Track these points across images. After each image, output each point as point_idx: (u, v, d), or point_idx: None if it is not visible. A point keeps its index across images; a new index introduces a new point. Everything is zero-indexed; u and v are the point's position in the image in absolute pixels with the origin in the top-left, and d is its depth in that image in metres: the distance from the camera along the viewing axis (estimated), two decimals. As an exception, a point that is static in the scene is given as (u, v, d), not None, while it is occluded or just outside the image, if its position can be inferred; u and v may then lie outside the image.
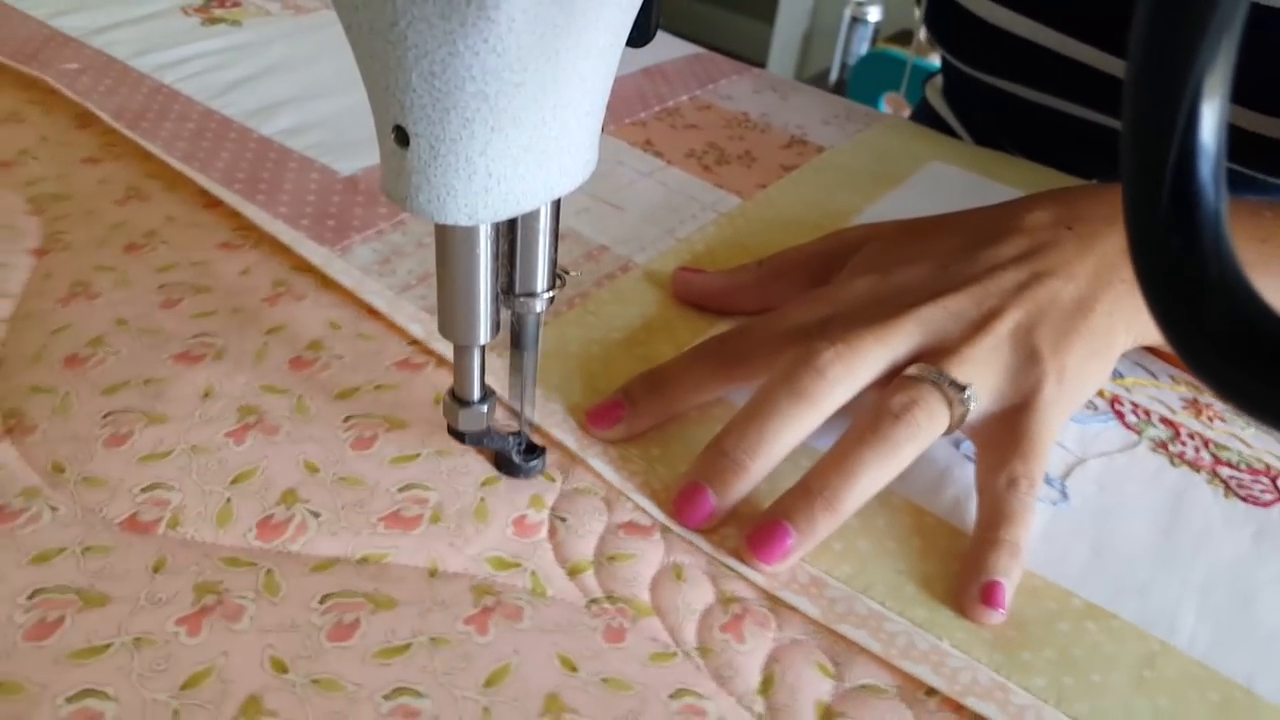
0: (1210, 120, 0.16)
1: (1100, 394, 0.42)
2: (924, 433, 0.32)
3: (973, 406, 0.33)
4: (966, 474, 0.36)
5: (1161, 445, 0.40)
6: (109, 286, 0.39)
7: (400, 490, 0.32)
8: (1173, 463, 0.39)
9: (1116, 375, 0.43)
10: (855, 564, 0.32)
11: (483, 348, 0.30)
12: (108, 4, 0.61)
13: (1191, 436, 0.40)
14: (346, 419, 0.34)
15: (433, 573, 0.30)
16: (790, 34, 2.60)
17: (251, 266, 0.41)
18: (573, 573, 0.31)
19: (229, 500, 0.31)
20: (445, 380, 0.36)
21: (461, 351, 0.30)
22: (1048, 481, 0.37)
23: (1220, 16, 0.15)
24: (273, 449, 0.33)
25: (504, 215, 0.26)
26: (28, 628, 0.27)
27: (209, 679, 0.26)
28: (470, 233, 0.27)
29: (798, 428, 0.33)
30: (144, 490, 0.31)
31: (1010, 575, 0.31)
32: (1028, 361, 0.34)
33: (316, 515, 0.31)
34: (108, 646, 0.26)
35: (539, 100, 0.24)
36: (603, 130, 0.54)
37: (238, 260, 0.41)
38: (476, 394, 0.31)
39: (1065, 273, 0.36)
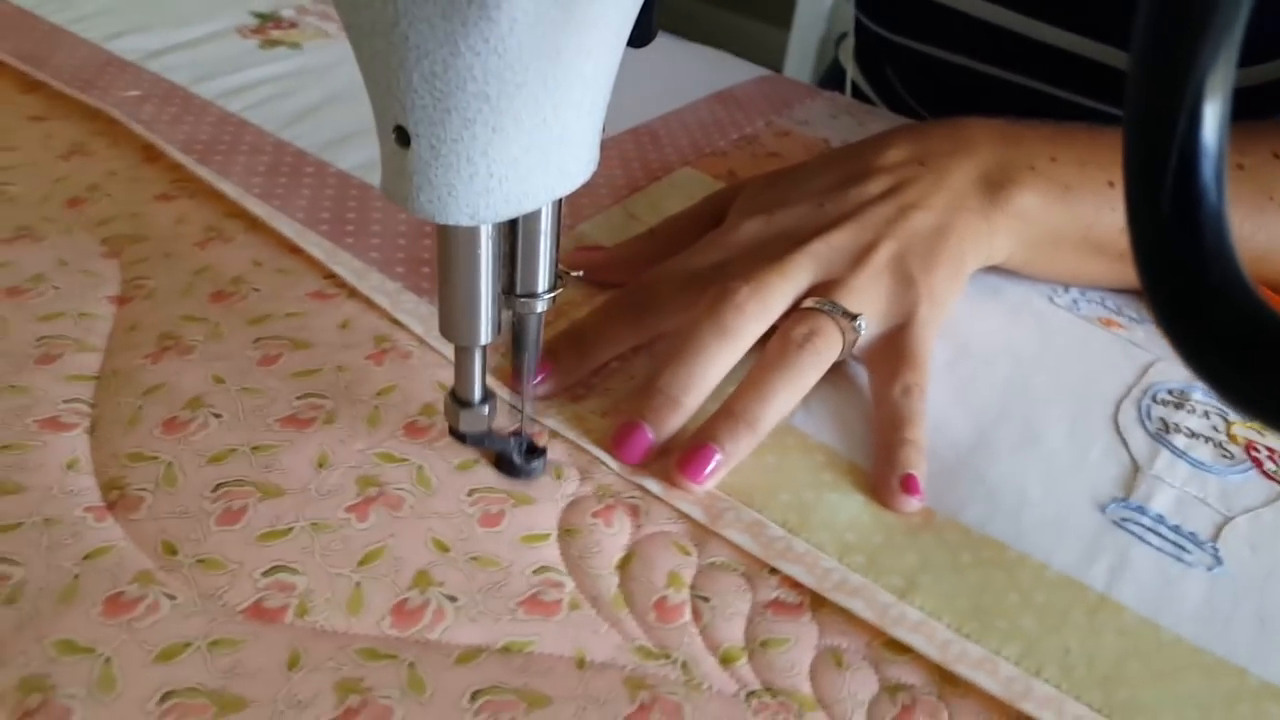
0: (1212, 121, 0.16)
1: (1233, 439, 0.40)
2: (823, 358, 0.36)
3: (863, 332, 0.37)
4: (1118, 542, 0.34)
5: (1306, 497, 0.38)
6: (200, 340, 0.37)
7: (535, 572, 0.30)
8: (1322, 517, 0.37)
9: (1244, 416, 0.41)
10: (1022, 644, 0.30)
11: (484, 348, 0.30)
12: (161, 26, 0.59)
13: (1335, 485, 0.38)
14: (471, 492, 0.32)
15: (580, 664, 0.28)
16: (807, 39, 2.56)
17: (351, 319, 0.39)
18: (725, 661, 0.29)
19: (358, 584, 0.29)
20: (568, 462, 0.34)
21: (463, 352, 0.30)
22: (1198, 544, 0.35)
23: (1221, 19, 0.15)
24: (399, 525, 0.31)
25: (505, 215, 0.26)
26: (163, 736, 0.25)
27: (365, 795, 0.24)
28: (471, 233, 0.27)
29: (723, 361, 0.36)
30: (265, 574, 0.29)
31: (919, 468, 0.34)
32: (904, 285, 0.38)
33: (453, 599, 0.29)
34: (252, 757, 0.24)
35: (540, 100, 0.24)
36: (684, 164, 0.53)
37: (335, 312, 0.39)
38: (477, 395, 0.31)
39: (925, 205, 0.40)
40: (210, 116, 0.50)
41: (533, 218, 0.29)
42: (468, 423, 0.32)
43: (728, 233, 0.41)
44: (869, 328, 0.38)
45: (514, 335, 0.32)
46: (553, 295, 0.31)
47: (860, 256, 0.38)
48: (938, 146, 0.43)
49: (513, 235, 0.30)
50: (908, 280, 0.38)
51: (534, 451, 0.33)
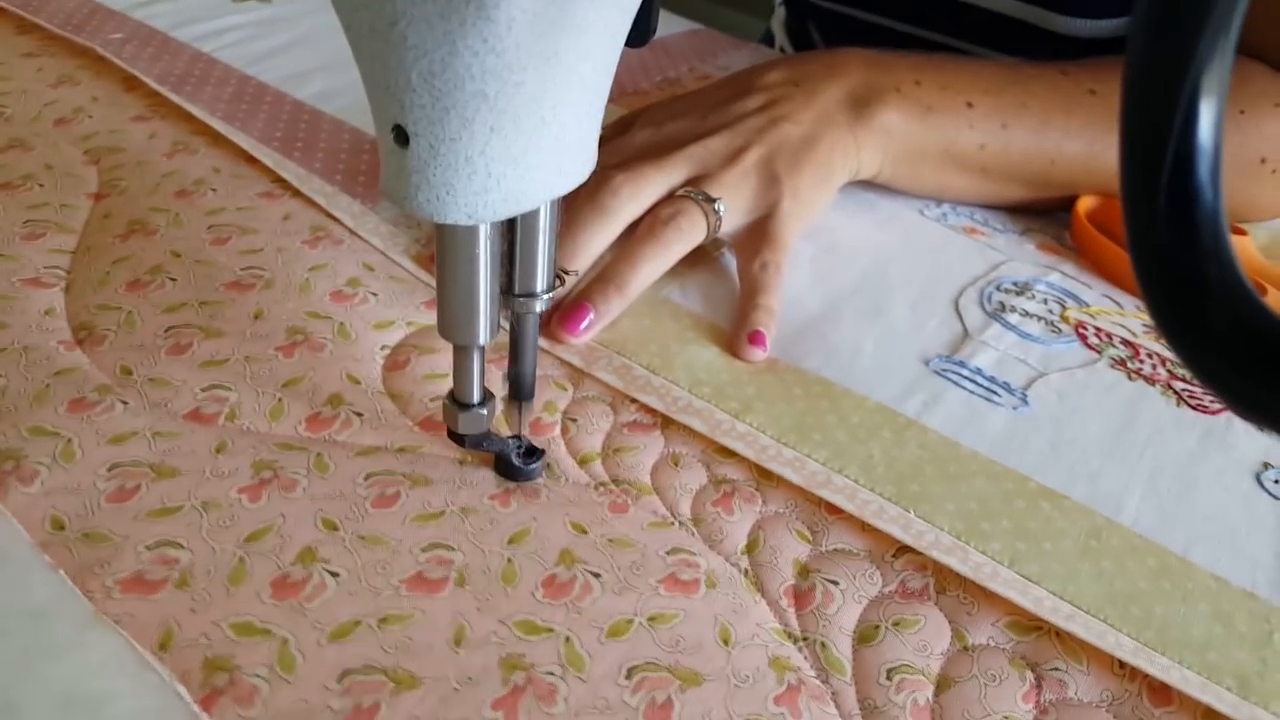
0: (1208, 120, 0.16)
1: (1065, 319, 0.46)
2: (686, 235, 0.42)
3: (724, 217, 0.43)
4: (935, 385, 0.40)
5: (1120, 363, 0.43)
6: (164, 225, 0.43)
7: (432, 401, 0.36)
8: (1130, 377, 0.43)
9: (1082, 304, 0.47)
10: (831, 450, 0.36)
11: (482, 349, 0.30)
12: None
13: (1150, 355, 0.44)
14: (382, 347, 0.39)
15: (461, 462, 0.34)
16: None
17: (292, 213, 0.45)
18: (582, 462, 0.35)
19: (280, 399, 0.35)
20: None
21: (461, 352, 0.30)
22: (1009, 391, 0.41)
23: (1217, 17, 0.15)
24: (318, 363, 0.37)
25: (503, 215, 0.26)
26: (109, 493, 0.31)
27: (269, 534, 0.30)
28: (470, 232, 0.27)
29: (600, 236, 0.41)
30: (204, 390, 0.35)
31: (768, 327, 0.40)
32: (769, 183, 0.44)
33: (360, 415, 0.35)
34: (180, 508, 0.30)
35: (538, 100, 0.24)
36: (608, 102, 0.58)
37: (279, 208, 0.45)
38: (476, 396, 0.31)
39: (794, 118, 0.46)
40: (185, 55, 0.57)
41: (531, 217, 0.29)
42: (466, 425, 0.32)
43: (624, 140, 0.47)
44: (735, 216, 0.43)
45: (512, 335, 0.33)
46: (551, 295, 0.31)
47: (731, 158, 0.44)
48: (812, 70, 0.49)
49: (511, 235, 0.30)
50: (773, 178, 0.44)
51: (532, 453, 0.34)
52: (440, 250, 0.28)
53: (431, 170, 0.25)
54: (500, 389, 0.34)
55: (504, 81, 0.23)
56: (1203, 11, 0.15)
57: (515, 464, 0.33)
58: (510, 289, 0.31)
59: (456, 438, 0.32)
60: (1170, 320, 0.17)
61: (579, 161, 0.27)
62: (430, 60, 0.23)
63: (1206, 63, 0.15)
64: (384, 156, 0.26)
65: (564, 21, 0.23)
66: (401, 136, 0.24)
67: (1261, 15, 0.49)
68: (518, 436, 0.34)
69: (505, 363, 0.34)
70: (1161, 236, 0.16)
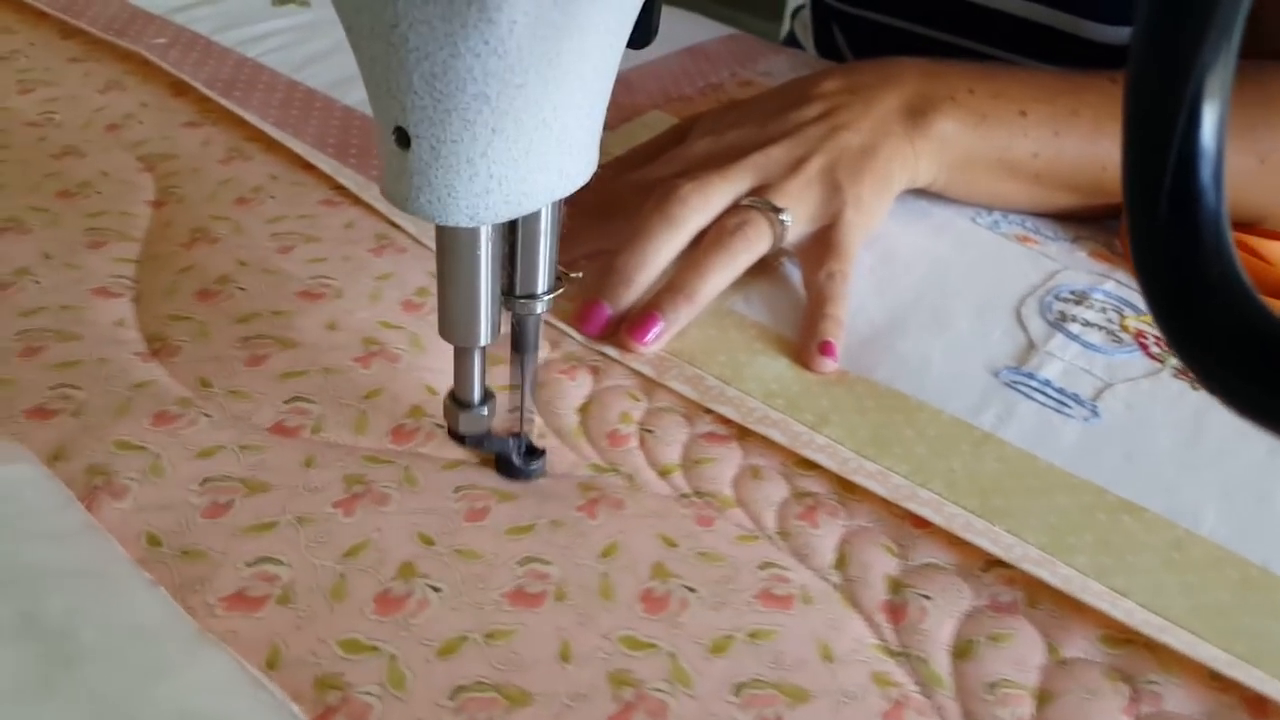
0: (1210, 122, 0.16)
1: (1125, 328, 0.46)
2: (753, 244, 0.42)
3: (790, 226, 0.43)
4: (1007, 398, 0.40)
5: (1183, 372, 0.43)
6: (226, 233, 0.43)
7: (510, 411, 0.36)
8: (1193, 386, 0.43)
9: (1139, 313, 0.47)
10: (913, 464, 0.36)
11: (483, 350, 0.30)
12: (182, -13, 0.65)
13: (1208, 367, 0.44)
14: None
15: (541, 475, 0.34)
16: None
17: (354, 221, 0.45)
18: (663, 473, 0.35)
19: (364, 412, 0.35)
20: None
21: (462, 353, 0.30)
22: (1079, 402, 0.41)
23: (1220, 19, 0.15)
24: (396, 374, 0.37)
25: (505, 217, 0.26)
26: (203, 508, 0.31)
27: (367, 549, 0.30)
28: (471, 234, 0.27)
29: (669, 246, 0.41)
30: (286, 402, 0.35)
31: (838, 338, 0.40)
32: (832, 192, 0.44)
33: (442, 427, 0.35)
34: (275, 524, 0.30)
35: (540, 102, 0.24)
36: (652, 108, 0.59)
37: (341, 215, 0.45)
38: (477, 396, 0.31)
39: (853, 127, 0.46)
40: (230, 60, 0.56)
41: (532, 219, 0.29)
42: (467, 424, 0.32)
43: (684, 148, 0.47)
44: (799, 225, 0.43)
45: (513, 336, 0.32)
46: (552, 296, 0.31)
47: (794, 167, 0.44)
48: (867, 79, 0.49)
49: (512, 236, 0.30)
50: (835, 187, 0.44)
51: (533, 452, 0.34)
52: (441, 252, 0.28)
53: (433, 172, 0.25)
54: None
55: (506, 83, 0.23)
56: (1206, 14, 0.15)
57: (516, 464, 0.33)
58: (511, 290, 0.31)
59: (457, 437, 0.33)
60: (1171, 320, 0.17)
61: (581, 163, 0.27)
62: (432, 63, 0.23)
63: (1210, 64, 0.16)
64: (385, 158, 0.26)
65: (566, 23, 0.23)
66: (403, 138, 0.25)
67: None
68: (518, 435, 0.34)
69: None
70: (1163, 237, 0.16)
